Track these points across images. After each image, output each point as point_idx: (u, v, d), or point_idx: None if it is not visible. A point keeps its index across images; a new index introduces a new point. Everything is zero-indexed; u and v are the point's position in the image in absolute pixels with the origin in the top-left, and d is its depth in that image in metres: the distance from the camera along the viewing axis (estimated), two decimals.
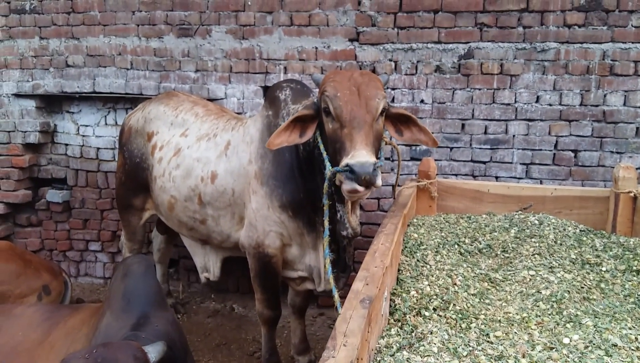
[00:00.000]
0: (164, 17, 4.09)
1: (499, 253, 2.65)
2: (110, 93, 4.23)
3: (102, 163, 4.43)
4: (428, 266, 2.42)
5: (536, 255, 2.53)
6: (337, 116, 2.22)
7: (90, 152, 4.44)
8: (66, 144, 4.50)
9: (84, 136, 4.44)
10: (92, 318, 2.26)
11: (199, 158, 3.13)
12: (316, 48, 3.93)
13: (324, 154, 2.33)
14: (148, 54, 4.15)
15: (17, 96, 4.39)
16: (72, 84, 4.29)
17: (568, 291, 2.14)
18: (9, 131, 4.41)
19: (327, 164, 2.27)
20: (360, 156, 2.07)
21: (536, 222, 2.92)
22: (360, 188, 2.06)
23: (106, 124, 4.39)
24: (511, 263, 2.53)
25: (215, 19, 4.02)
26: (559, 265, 2.39)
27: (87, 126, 4.42)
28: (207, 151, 3.12)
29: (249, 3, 3.96)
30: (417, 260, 2.47)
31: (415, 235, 2.73)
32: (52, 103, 4.45)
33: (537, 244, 2.64)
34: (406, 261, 2.43)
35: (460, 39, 3.72)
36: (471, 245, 2.74)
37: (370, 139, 2.18)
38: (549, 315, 1.98)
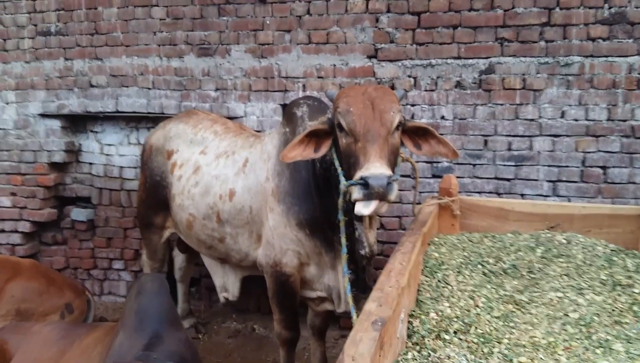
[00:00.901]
0: (185, 37, 4.14)
1: (524, 273, 2.54)
2: (133, 113, 4.29)
3: (125, 182, 4.47)
4: (449, 287, 2.34)
5: (564, 276, 2.42)
6: (350, 130, 2.19)
7: (114, 171, 4.49)
8: (90, 163, 4.57)
9: (107, 155, 4.50)
10: (107, 336, 2.25)
11: (218, 176, 3.12)
12: (334, 65, 3.92)
13: (339, 170, 2.28)
14: (169, 73, 4.21)
15: (43, 116, 4.48)
16: (96, 104, 4.36)
17: (598, 314, 2.04)
18: (34, 151, 4.50)
19: (342, 178, 2.23)
20: (373, 168, 2.02)
21: (564, 241, 2.81)
22: (372, 202, 2.00)
23: (129, 143, 4.44)
24: (537, 284, 2.42)
25: (234, 39, 4.06)
26: (588, 286, 2.29)
27: (110, 145, 4.49)
28: (226, 168, 3.12)
29: (268, 22, 3.99)
30: (438, 281, 2.39)
31: (436, 254, 2.64)
32: (76, 123, 4.54)
33: (565, 264, 2.53)
34: (426, 281, 2.36)
35: (481, 54, 3.67)
36: (495, 265, 2.65)
37: (385, 153, 2.12)
38: (578, 339, 1.88)
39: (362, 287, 2.69)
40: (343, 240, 2.33)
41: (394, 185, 2.04)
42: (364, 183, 2.00)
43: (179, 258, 4.15)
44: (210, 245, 3.21)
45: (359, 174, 2.05)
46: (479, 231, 3.20)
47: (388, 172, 2.03)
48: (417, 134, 2.44)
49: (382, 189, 1.98)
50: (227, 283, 3.47)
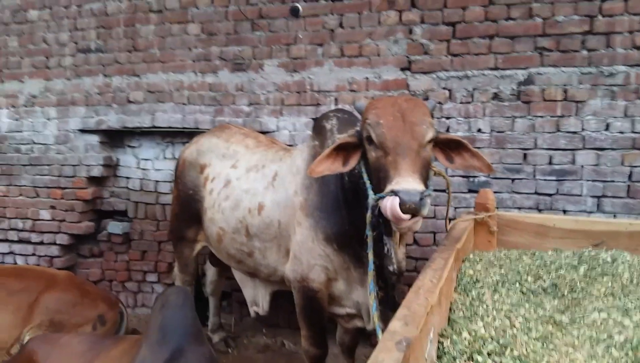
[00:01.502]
0: (219, 52, 4.19)
1: (566, 293, 2.39)
2: (169, 128, 4.35)
3: (160, 196, 4.52)
4: (484, 306, 2.22)
5: (609, 296, 2.26)
6: (380, 143, 2.12)
7: (150, 185, 4.55)
8: (127, 178, 4.64)
9: (144, 169, 4.57)
10: (133, 349, 2.24)
11: (247, 190, 3.10)
12: (367, 78, 3.87)
13: (367, 183, 2.21)
14: (204, 89, 4.25)
15: (82, 131, 4.60)
16: (133, 120, 4.44)
17: None
18: (74, 165, 4.61)
19: (370, 192, 2.15)
20: (405, 182, 1.94)
21: (609, 260, 2.64)
22: (404, 216, 1.92)
23: (165, 158, 4.50)
24: (580, 304, 2.27)
25: (267, 53, 4.07)
26: (634, 307, 2.12)
27: (147, 159, 4.56)
28: (255, 182, 3.10)
29: (300, 36, 3.99)
30: (472, 299, 2.27)
31: (471, 272, 2.53)
32: (114, 138, 4.63)
33: (610, 283, 2.37)
34: (459, 299, 2.24)
35: (519, 65, 3.55)
36: (534, 284, 2.50)
37: (417, 167, 2.04)
38: None
39: (391, 305, 2.59)
40: (371, 256, 2.24)
41: (426, 201, 1.95)
42: (395, 196, 1.92)
43: (210, 272, 4.15)
44: (240, 259, 3.19)
45: (389, 188, 1.97)
46: (517, 248, 3.06)
47: (421, 187, 1.95)
48: (450, 147, 2.35)
49: (414, 205, 1.89)
50: (257, 297, 3.44)
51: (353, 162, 2.31)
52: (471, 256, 2.81)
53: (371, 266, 2.22)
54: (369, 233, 2.25)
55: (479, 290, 2.35)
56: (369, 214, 2.22)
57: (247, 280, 3.44)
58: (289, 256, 2.89)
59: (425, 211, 1.96)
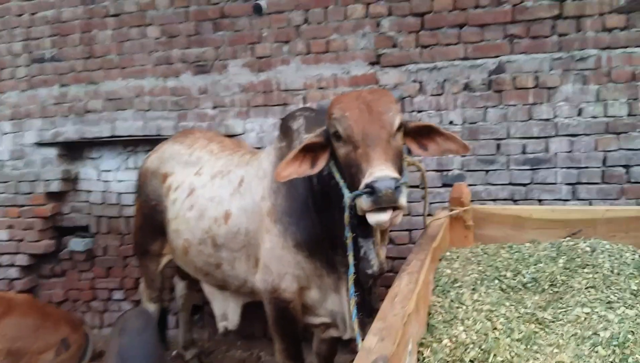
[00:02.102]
0: (180, 55, 4.02)
1: (546, 287, 2.30)
2: (129, 136, 4.16)
3: (124, 208, 4.32)
4: (464, 308, 2.10)
5: (590, 289, 2.17)
6: (348, 137, 1.99)
7: (112, 197, 4.35)
8: (88, 191, 4.42)
9: (105, 181, 4.37)
10: None
11: (212, 197, 2.94)
12: (335, 75, 3.74)
13: (341, 182, 2.08)
14: (165, 94, 4.08)
15: (39, 144, 4.37)
16: (92, 130, 4.24)
17: (632, 331, 1.79)
18: (31, 181, 4.37)
19: (345, 191, 2.02)
20: (378, 171, 1.82)
21: (588, 249, 2.55)
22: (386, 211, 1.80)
23: (127, 168, 4.30)
24: (561, 299, 2.17)
25: (231, 54, 3.92)
26: (618, 299, 2.04)
27: (108, 171, 4.35)
28: (221, 189, 2.94)
29: (265, 34, 3.84)
30: (451, 301, 2.16)
31: (449, 271, 2.41)
32: (73, 150, 4.42)
33: (591, 275, 2.27)
34: (438, 302, 2.13)
35: (489, 54, 3.46)
36: (514, 279, 2.40)
37: (389, 156, 1.92)
38: (611, 362, 1.64)
39: (368, 310, 2.46)
40: (351, 259, 2.09)
41: (402, 189, 1.84)
42: (370, 190, 1.80)
43: (179, 286, 3.97)
44: (207, 271, 3.02)
45: (363, 183, 1.85)
46: (494, 242, 2.97)
47: (394, 174, 1.83)
48: (421, 134, 2.22)
49: (390, 191, 1.77)
50: (227, 311, 3.26)
51: (322, 163, 2.17)
52: (448, 254, 2.70)
53: (351, 269, 2.07)
54: (348, 234, 2.10)
55: (458, 290, 2.24)
56: (346, 215, 2.07)
57: (216, 293, 3.25)
58: (258, 265, 2.74)
59: (403, 201, 1.84)
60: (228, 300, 3.23)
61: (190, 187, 3.10)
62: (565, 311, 2.03)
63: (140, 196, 3.50)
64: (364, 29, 3.67)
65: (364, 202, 1.83)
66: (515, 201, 3.50)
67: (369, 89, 2.33)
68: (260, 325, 4.10)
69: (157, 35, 4.07)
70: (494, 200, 3.53)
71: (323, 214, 2.43)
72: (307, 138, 2.54)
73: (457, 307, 2.11)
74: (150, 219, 3.39)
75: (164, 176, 3.32)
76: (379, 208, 1.81)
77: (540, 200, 3.46)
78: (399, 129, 2.06)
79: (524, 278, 2.39)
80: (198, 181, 3.08)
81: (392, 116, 2.01)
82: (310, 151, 2.18)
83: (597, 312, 1.94)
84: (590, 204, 3.38)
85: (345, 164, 2.05)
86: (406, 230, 3.67)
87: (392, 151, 1.98)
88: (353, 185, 1.98)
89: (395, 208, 1.82)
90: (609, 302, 2.01)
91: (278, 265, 2.59)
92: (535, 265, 2.50)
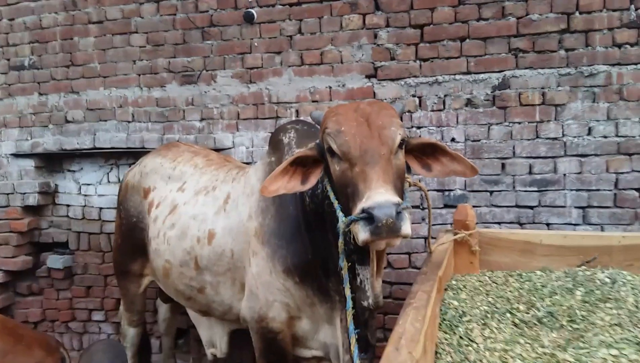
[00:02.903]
0: (166, 64, 3.80)
1: (564, 323, 2.07)
2: (111, 148, 3.91)
3: (105, 224, 4.07)
4: (474, 346, 1.87)
5: (615, 327, 1.95)
6: (343, 153, 1.77)
7: (92, 213, 4.10)
8: (67, 205, 4.18)
9: (85, 195, 4.12)
10: None
11: (196, 215, 2.71)
12: (330, 88, 3.54)
13: (335, 204, 1.85)
14: (150, 104, 3.85)
15: (16, 155, 4.12)
16: (72, 141, 4.00)
17: None
18: (7, 194, 4.12)
19: (340, 215, 1.79)
20: (377, 195, 1.60)
21: (607, 280, 2.34)
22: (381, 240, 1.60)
23: (109, 181, 4.06)
24: (582, 337, 1.94)
25: (219, 63, 3.71)
26: None
27: (89, 184, 4.11)
28: (205, 206, 2.70)
29: (256, 44, 3.64)
30: (460, 337, 1.93)
31: (455, 303, 2.18)
32: (52, 162, 4.17)
33: (615, 311, 2.05)
34: (445, 340, 1.89)
35: (493, 68, 3.27)
36: (527, 313, 2.18)
37: (389, 177, 1.71)
38: None
39: (363, 345, 2.21)
40: (347, 292, 1.85)
41: (404, 215, 1.61)
42: (368, 216, 1.58)
43: (162, 308, 3.72)
44: (189, 295, 2.77)
45: (359, 207, 1.63)
46: (502, 269, 2.76)
47: (395, 198, 1.61)
48: (425, 153, 2.01)
49: (391, 220, 1.55)
50: (214, 338, 3.03)
51: (313, 179, 1.95)
52: (454, 282, 2.48)
53: (349, 303, 1.83)
54: (342, 264, 1.86)
55: (467, 325, 2.01)
56: (340, 241, 1.84)
57: (201, 319, 3.02)
58: (245, 291, 2.49)
59: (407, 229, 1.62)
60: (214, 327, 3.01)
61: (173, 204, 2.86)
62: (588, 352, 1.80)
63: (121, 212, 3.27)
64: (360, 41, 3.48)
65: (361, 231, 1.61)
66: (521, 225, 3.28)
67: (368, 100, 2.10)
68: (249, 353, 3.81)
69: (142, 43, 3.86)
70: (499, 223, 3.31)
71: (316, 237, 2.20)
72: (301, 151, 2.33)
73: (467, 345, 1.88)
74: (130, 238, 3.17)
75: (146, 191, 3.09)
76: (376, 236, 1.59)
77: (548, 224, 3.25)
78: (400, 146, 1.84)
79: (539, 312, 2.17)
80: (181, 198, 2.84)
81: (393, 131, 1.80)
82: (301, 166, 1.96)
83: (627, 355, 1.72)
84: (602, 229, 3.17)
85: (340, 184, 1.82)
86: (405, 253, 3.44)
87: (393, 170, 1.77)
88: (348, 208, 1.76)
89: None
90: (638, 343, 1.78)
91: (265, 291, 2.35)
92: (550, 297, 2.29)
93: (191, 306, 2.90)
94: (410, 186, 2.09)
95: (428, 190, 3.29)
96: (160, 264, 2.85)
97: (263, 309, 2.37)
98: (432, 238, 2.61)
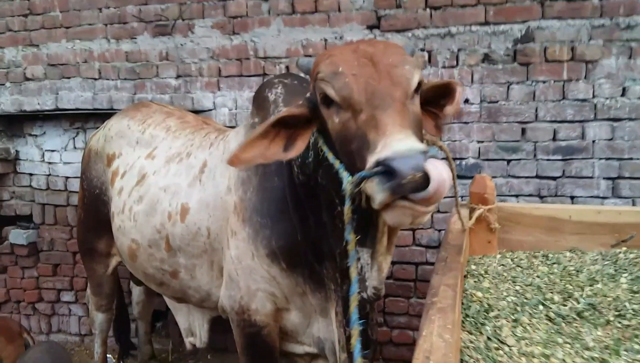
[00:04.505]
0: (137, 12, 3.34)
1: (611, 318, 1.69)
2: (76, 110, 3.47)
3: (72, 195, 3.67)
4: (506, 350, 1.50)
5: None
6: (344, 99, 1.34)
7: (58, 182, 3.69)
8: (30, 174, 3.79)
9: (50, 163, 3.71)
10: None
11: (167, 187, 2.29)
12: (325, 40, 3.10)
13: (336, 164, 1.39)
14: (119, 59, 3.41)
15: None
16: (32, 101, 3.56)
17: None
18: None
19: (344, 174, 1.33)
20: (396, 143, 1.16)
21: None
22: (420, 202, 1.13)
23: (75, 147, 3.65)
24: (637, 336, 1.57)
25: (198, 12, 3.26)
26: None
27: (53, 151, 3.70)
28: (177, 176, 2.28)
29: None
30: (488, 339, 1.54)
31: (479, 294, 1.80)
32: (11, 125, 3.75)
33: None
34: (471, 343, 1.50)
35: (515, 18, 2.86)
36: (564, 305, 1.80)
37: (407, 121, 1.28)
38: None
39: (364, 342, 1.81)
40: (354, 272, 1.33)
41: None
42: (386, 170, 1.14)
43: (136, 290, 3.37)
44: (161, 280, 2.38)
45: (372, 159, 1.18)
46: (524, 249, 2.39)
47: (420, 145, 1.17)
48: (437, 101, 1.55)
49: (419, 174, 1.10)
50: (193, 326, 2.66)
51: (300, 144, 1.48)
52: (473, 267, 2.09)
53: (354, 287, 1.37)
54: (349, 237, 1.36)
55: (494, 322, 1.63)
56: (347, 207, 1.31)
57: (177, 305, 2.65)
58: (224, 277, 2.10)
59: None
60: (193, 313, 2.66)
61: (140, 173, 2.44)
62: None
63: (83, 182, 2.90)
64: None
65: (377, 190, 1.15)
66: (542, 198, 2.93)
67: (368, 40, 1.66)
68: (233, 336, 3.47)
69: None
70: (516, 196, 2.95)
71: (306, 214, 1.79)
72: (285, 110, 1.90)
73: (497, 349, 1.51)
74: (94, 212, 2.80)
75: (110, 158, 2.67)
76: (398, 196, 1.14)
77: (572, 197, 2.90)
78: (417, 90, 1.40)
79: (578, 303, 1.80)
80: (150, 166, 2.42)
81: (408, 70, 1.36)
82: (285, 128, 1.50)
83: None
84: (634, 203, 2.80)
85: (341, 140, 1.38)
86: (409, 229, 3.05)
87: (411, 117, 1.33)
88: (355, 169, 1.30)
89: None
90: None
91: (247, 278, 1.95)
92: (590, 285, 1.92)
93: (164, 293, 2.52)
94: (427, 144, 1.62)
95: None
96: (126, 244, 2.44)
97: (244, 299, 1.97)
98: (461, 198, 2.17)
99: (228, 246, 1.99)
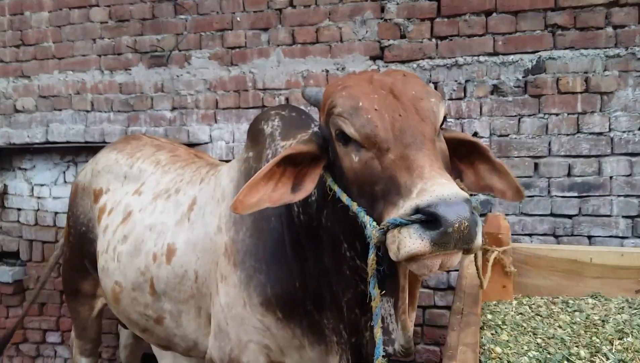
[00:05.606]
0: (132, 43, 3.28)
1: None
2: (67, 143, 3.36)
3: (61, 232, 3.49)
4: None
5: None
6: (367, 137, 1.20)
7: (47, 218, 3.57)
8: (18, 209, 3.70)
9: (39, 198, 3.61)
10: None
11: (153, 225, 2.13)
12: (327, 71, 3.00)
13: (354, 207, 1.22)
14: (112, 90, 3.33)
15: None
16: (22, 134, 3.49)
17: None
18: None
19: (367, 219, 1.16)
20: (438, 187, 1.04)
21: None
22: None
23: (65, 182, 3.56)
24: None
25: (195, 42, 3.18)
26: None
27: (42, 185, 3.60)
28: (164, 214, 2.13)
29: (238, 19, 3.11)
30: None
31: (498, 350, 1.60)
32: (0, 159, 3.62)
33: None
34: None
35: (526, 48, 2.75)
36: (591, 361, 1.60)
37: (440, 162, 1.17)
38: None
39: None
40: (378, 332, 1.18)
41: (477, 218, 1.06)
42: (429, 218, 1.02)
43: (123, 333, 3.18)
44: (145, 327, 2.19)
45: (410, 204, 1.06)
46: (541, 294, 2.20)
47: (464, 193, 1.06)
48: (458, 154, 1.47)
49: (466, 223, 1.01)
50: None
51: (310, 184, 1.35)
52: (489, 316, 1.89)
53: (380, 350, 1.17)
54: (374, 292, 1.19)
55: None
56: (371, 257, 1.17)
57: (163, 352, 2.45)
58: (212, 327, 1.91)
59: (480, 238, 1.06)
60: (179, 361, 2.42)
61: (126, 210, 2.29)
62: None
63: (70, 219, 2.75)
64: (364, 15, 2.96)
65: (411, 241, 1.02)
66: (557, 237, 2.76)
67: (384, 70, 1.52)
68: None
69: (104, 18, 3.37)
70: (529, 235, 2.78)
71: (306, 259, 1.62)
72: (286, 146, 1.74)
73: None
74: (79, 251, 2.64)
75: (97, 194, 2.52)
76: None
77: (590, 237, 2.73)
78: (442, 125, 1.30)
79: (607, 360, 1.59)
80: (136, 203, 2.27)
81: (434, 103, 1.25)
82: (291, 166, 1.36)
83: None
84: None
85: (361, 181, 1.24)
86: None
87: (441, 157, 1.23)
88: (374, 211, 1.17)
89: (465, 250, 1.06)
90: None
91: (238, 329, 1.76)
92: (619, 338, 1.71)
93: (148, 339, 2.32)
94: None
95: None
96: (109, 286, 2.26)
97: (234, 351, 1.78)
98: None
99: (217, 292, 1.80)
